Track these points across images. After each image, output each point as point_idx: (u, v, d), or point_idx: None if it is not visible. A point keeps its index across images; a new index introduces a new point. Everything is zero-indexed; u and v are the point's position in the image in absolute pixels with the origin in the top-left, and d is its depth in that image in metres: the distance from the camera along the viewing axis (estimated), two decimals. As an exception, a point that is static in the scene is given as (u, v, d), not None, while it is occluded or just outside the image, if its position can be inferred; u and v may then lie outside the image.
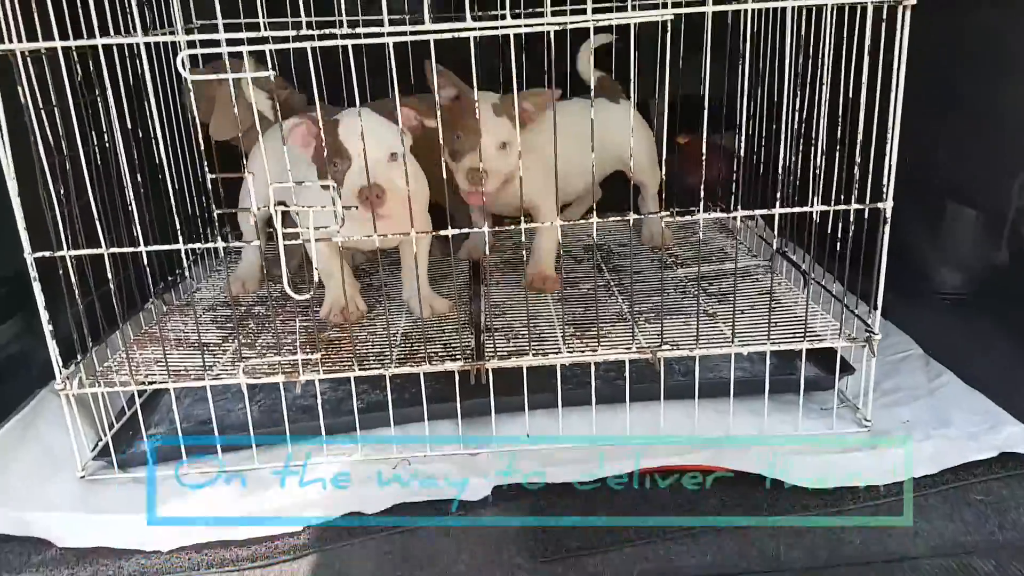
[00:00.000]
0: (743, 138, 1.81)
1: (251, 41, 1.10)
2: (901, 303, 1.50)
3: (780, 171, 1.29)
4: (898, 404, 1.39)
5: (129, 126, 1.44)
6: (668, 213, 1.23)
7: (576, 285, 1.71)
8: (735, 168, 1.97)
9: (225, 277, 1.81)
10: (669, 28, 1.15)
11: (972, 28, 1.52)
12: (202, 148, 1.20)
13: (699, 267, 1.32)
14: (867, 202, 1.26)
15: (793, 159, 1.48)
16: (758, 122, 1.77)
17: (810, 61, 1.43)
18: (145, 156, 1.43)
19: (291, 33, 1.10)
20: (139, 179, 1.34)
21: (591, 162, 1.21)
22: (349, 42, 1.11)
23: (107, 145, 1.39)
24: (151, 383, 1.34)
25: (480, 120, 1.37)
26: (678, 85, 1.49)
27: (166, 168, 1.28)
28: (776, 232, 1.40)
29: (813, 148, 1.32)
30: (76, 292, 1.27)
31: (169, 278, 1.74)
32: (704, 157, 1.21)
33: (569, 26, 1.12)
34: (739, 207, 1.25)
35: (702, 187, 1.20)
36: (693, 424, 1.34)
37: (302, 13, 1.56)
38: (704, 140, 1.19)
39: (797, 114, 1.49)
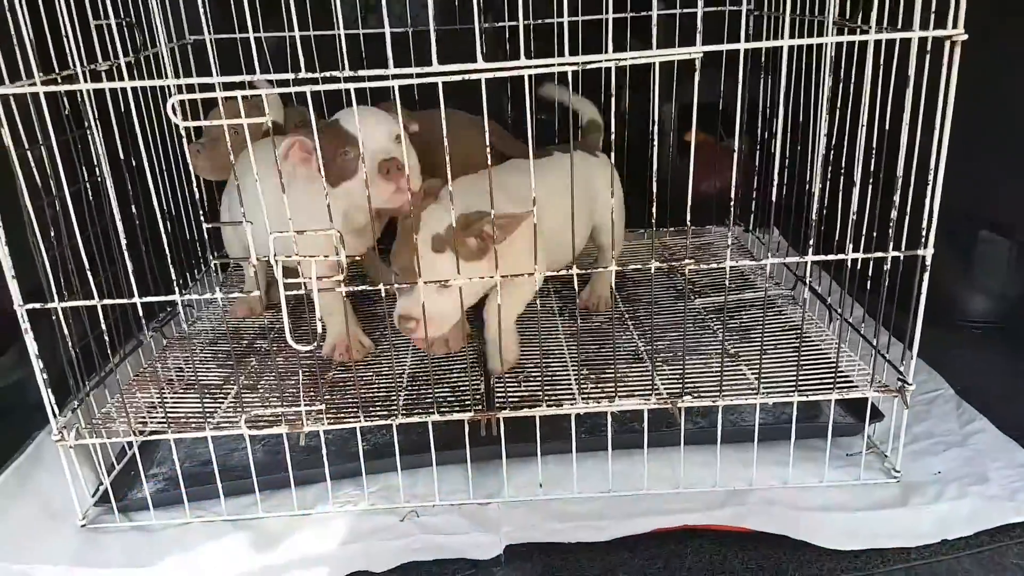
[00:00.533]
0: (771, 154, 1.72)
1: (250, 84, 1.02)
2: (931, 337, 1.43)
3: (812, 214, 1.20)
4: (929, 453, 1.33)
5: (121, 156, 1.37)
6: (692, 262, 1.14)
7: (589, 317, 1.64)
8: (755, 182, 1.89)
9: (223, 309, 1.75)
10: (698, 66, 1.05)
11: (1013, 57, 1.42)
12: (197, 196, 1.14)
13: (724, 320, 1.24)
14: (904, 248, 1.18)
15: (821, 187, 1.40)
16: (785, 139, 1.67)
17: (840, 86, 1.34)
18: (140, 189, 1.36)
19: (290, 76, 1.03)
20: (132, 211, 1.28)
21: (577, 225, 1.13)
22: (352, 85, 1.03)
23: (98, 180, 1.33)
24: (150, 432, 1.29)
25: (419, 258, 1.17)
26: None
27: (157, 209, 1.22)
28: (807, 278, 1.32)
29: (847, 188, 1.23)
30: (69, 342, 1.22)
31: (169, 308, 1.68)
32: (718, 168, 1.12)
33: (586, 67, 1.03)
34: (757, 227, 1.16)
35: (728, 240, 1.12)
36: (715, 475, 1.28)
37: (296, 27, 1.45)
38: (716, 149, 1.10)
39: (827, 139, 1.40)
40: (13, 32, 1.09)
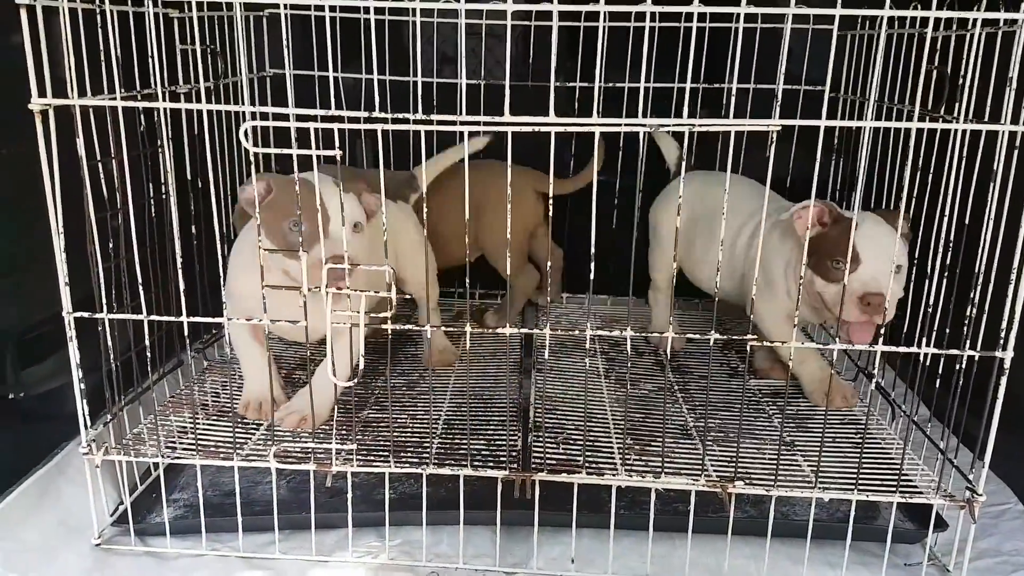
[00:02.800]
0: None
1: (321, 119, 1.03)
2: (1001, 444, 1.33)
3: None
4: (994, 573, 1.21)
5: (189, 177, 1.40)
6: (754, 337, 1.09)
7: (637, 384, 1.58)
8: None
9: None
10: (773, 138, 1.03)
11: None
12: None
13: (784, 407, 1.18)
14: (979, 348, 1.11)
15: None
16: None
17: (920, 175, 1.29)
18: (202, 210, 1.38)
19: (363, 114, 1.03)
20: (192, 231, 1.29)
21: None
22: (422, 127, 1.03)
23: (163, 198, 1.35)
24: (176, 456, 1.26)
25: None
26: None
27: (217, 231, 1.22)
28: (877, 369, 1.25)
29: (921, 278, 1.17)
30: (112, 355, 1.22)
31: (214, 331, 1.68)
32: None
33: (662, 129, 1.01)
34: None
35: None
36: (762, 570, 1.19)
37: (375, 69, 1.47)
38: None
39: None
40: (102, 48, 1.13)
